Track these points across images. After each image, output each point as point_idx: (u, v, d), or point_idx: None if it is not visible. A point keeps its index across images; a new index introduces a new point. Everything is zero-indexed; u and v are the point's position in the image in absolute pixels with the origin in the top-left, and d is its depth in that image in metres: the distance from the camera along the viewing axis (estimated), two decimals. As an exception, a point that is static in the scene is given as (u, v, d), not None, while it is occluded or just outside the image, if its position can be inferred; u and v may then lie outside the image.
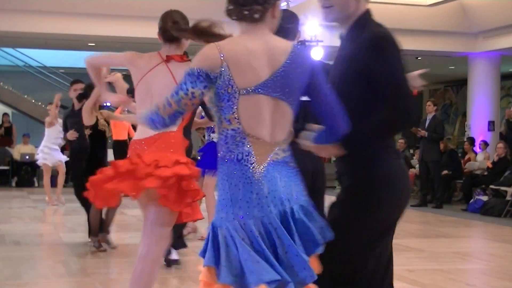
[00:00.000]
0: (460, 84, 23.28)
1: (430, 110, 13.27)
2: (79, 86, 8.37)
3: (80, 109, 8.32)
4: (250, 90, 2.53)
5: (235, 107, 2.54)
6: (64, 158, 12.65)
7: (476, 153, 15.92)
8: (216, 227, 2.58)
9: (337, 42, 3.09)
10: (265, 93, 2.55)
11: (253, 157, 2.55)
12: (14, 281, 6.14)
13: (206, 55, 2.56)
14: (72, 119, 8.57)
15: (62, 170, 12.74)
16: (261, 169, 2.56)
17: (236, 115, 2.55)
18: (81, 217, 9.01)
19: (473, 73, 17.85)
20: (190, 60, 4.08)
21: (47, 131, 12.58)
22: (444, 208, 13.06)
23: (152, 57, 4.06)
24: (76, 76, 21.62)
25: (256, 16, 2.63)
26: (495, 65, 17.58)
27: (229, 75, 2.52)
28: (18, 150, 17.36)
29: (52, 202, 12.48)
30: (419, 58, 18.61)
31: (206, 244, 2.61)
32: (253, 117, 2.55)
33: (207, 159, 8.38)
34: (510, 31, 15.99)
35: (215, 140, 8.42)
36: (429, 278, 6.37)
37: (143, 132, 3.97)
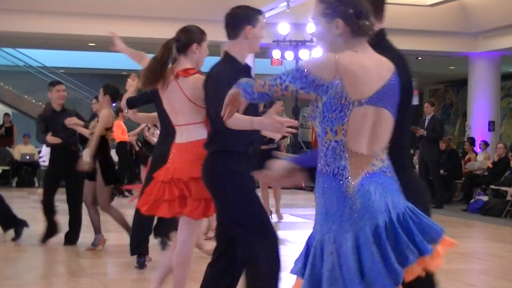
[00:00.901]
0: (460, 84, 23.25)
1: (428, 112, 13.21)
2: (62, 88, 8.00)
3: (63, 111, 7.88)
4: (363, 102, 2.55)
5: (346, 118, 2.56)
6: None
7: (476, 153, 15.91)
8: (310, 239, 2.66)
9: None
10: (373, 104, 2.57)
11: (348, 172, 2.56)
12: (14, 281, 6.15)
13: (324, 63, 2.58)
14: (55, 120, 7.92)
15: None
16: (355, 183, 2.55)
17: (345, 126, 2.57)
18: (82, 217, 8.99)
19: (473, 73, 17.84)
20: (198, 73, 4.17)
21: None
22: (445, 208, 13.03)
23: (169, 72, 4.23)
24: (76, 76, 21.41)
25: (371, 32, 2.67)
26: (495, 65, 17.58)
27: (341, 87, 2.53)
28: (19, 150, 17.35)
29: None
30: (419, 58, 18.60)
31: (300, 254, 2.69)
32: (357, 128, 2.57)
33: None
34: (510, 31, 15.98)
35: None
36: (429, 278, 6.35)
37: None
